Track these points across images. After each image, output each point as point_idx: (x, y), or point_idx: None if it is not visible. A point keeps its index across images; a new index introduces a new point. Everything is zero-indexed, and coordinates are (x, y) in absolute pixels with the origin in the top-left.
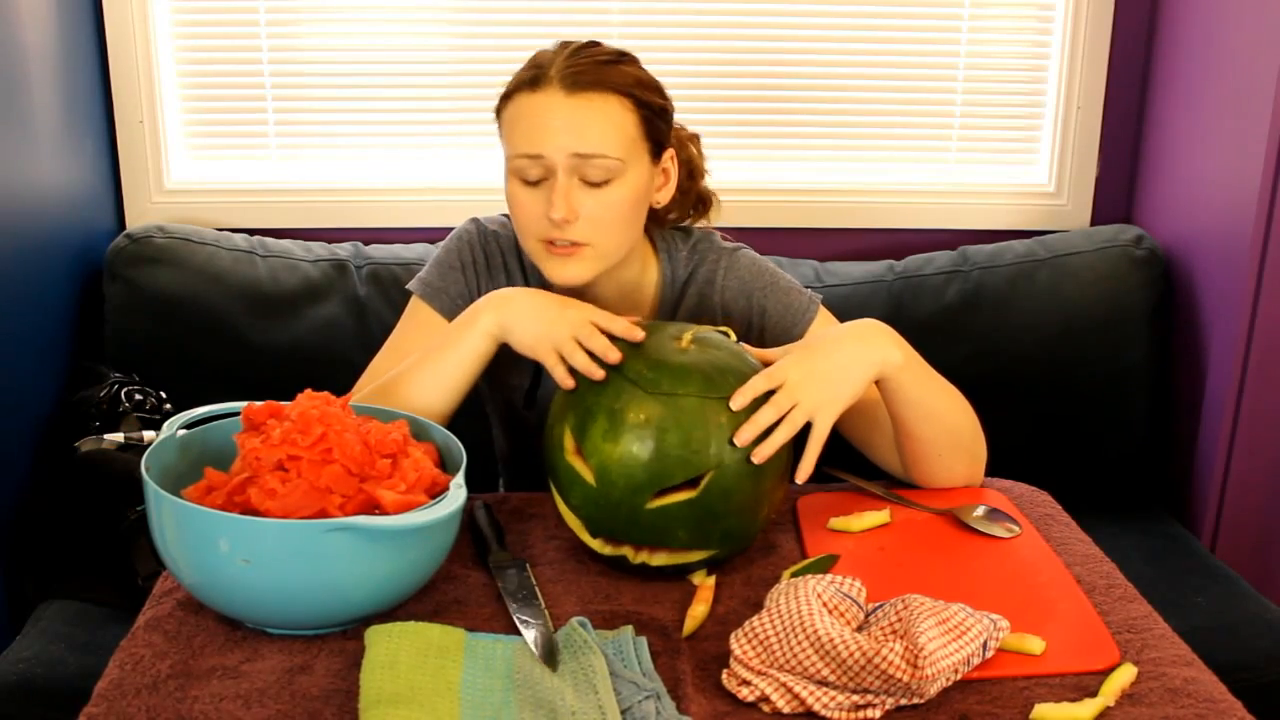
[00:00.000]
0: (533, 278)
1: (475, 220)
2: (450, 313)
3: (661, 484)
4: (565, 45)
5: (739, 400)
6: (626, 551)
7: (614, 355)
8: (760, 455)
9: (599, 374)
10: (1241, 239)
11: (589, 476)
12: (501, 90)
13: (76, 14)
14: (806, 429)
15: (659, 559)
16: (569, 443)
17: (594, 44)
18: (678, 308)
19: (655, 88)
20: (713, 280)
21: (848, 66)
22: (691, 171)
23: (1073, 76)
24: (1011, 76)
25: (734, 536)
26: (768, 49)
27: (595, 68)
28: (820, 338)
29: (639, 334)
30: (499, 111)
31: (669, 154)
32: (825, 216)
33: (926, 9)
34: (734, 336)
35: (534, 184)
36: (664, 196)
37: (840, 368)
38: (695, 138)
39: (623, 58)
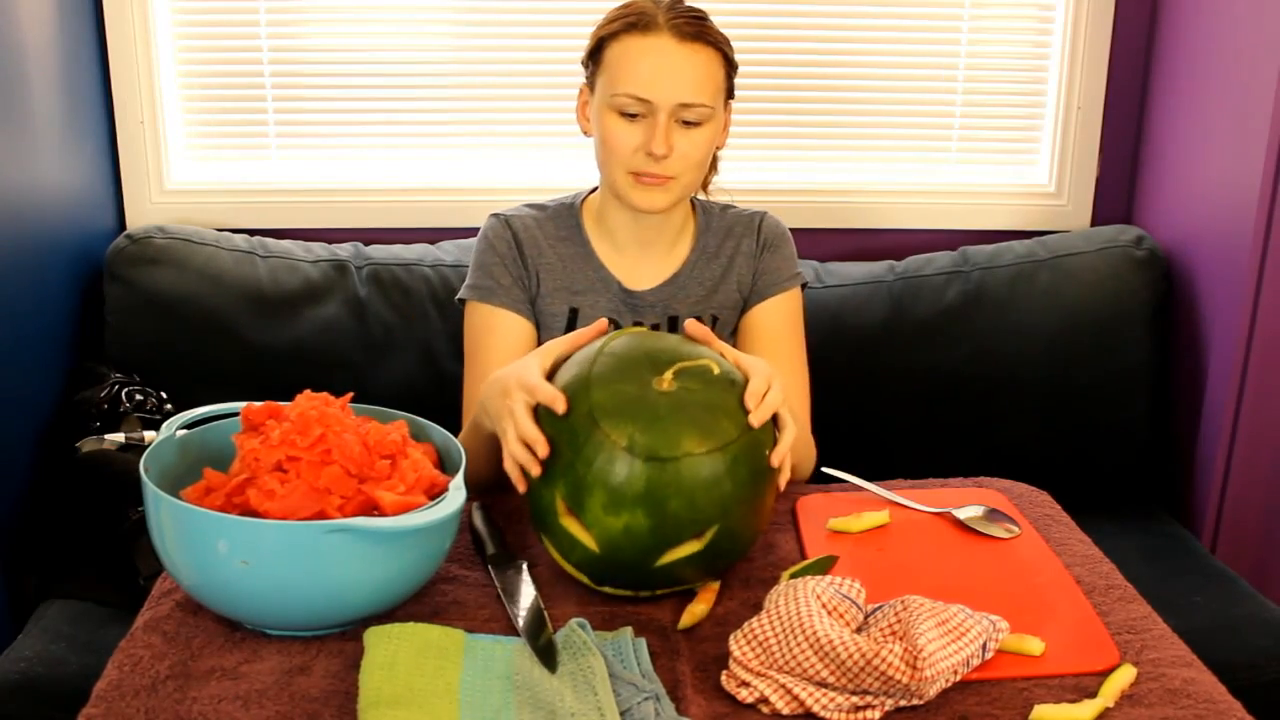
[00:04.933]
0: (560, 247)
1: (494, 215)
2: (510, 303)
3: (669, 545)
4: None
5: (758, 417)
6: (631, 592)
7: (540, 451)
8: (782, 460)
9: (520, 487)
10: (1241, 239)
11: (591, 543)
12: (595, 33)
13: (76, 14)
14: None
15: (664, 589)
16: (561, 505)
17: (680, 1)
18: (708, 244)
19: (731, 44)
20: (741, 222)
21: (847, 67)
22: None
23: (1073, 76)
24: (1011, 76)
25: (737, 559)
26: (767, 49)
27: (698, 22)
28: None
29: (561, 406)
30: (596, 51)
31: (730, 102)
32: (825, 216)
33: (926, 9)
34: (716, 370)
35: (631, 118)
36: (723, 140)
37: None
38: None
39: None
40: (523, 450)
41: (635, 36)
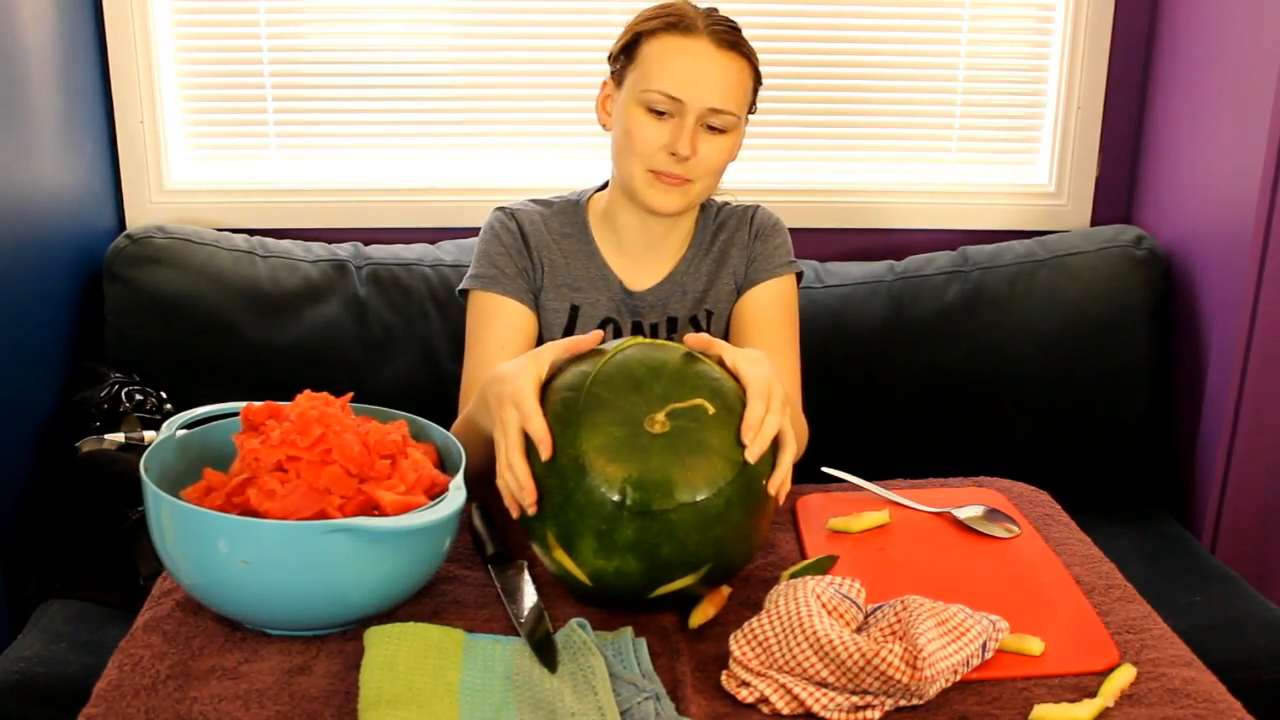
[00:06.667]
0: (564, 243)
1: (499, 208)
2: (513, 291)
3: (662, 583)
4: (689, 3)
5: (754, 452)
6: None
7: (528, 498)
8: (779, 488)
9: (514, 514)
10: (1241, 239)
11: (583, 577)
12: (631, 28)
13: (76, 14)
14: None
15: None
16: (552, 540)
17: (715, 10)
18: (702, 240)
19: (759, 60)
20: (735, 216)
21: (847, 66)
22: None
23: (1073, 76)
24: (1011, 76)
25: (735, 575)
26: (767, 49)
27: (735, 33)
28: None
29: (546, 453)
30: (631, 46)
31: (748, 117)
32: (825, 216)
33: (926, 9)
34: (711, 410)
35: (659, 116)
36: (735, 153)
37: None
38: None
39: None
40: (515, 483)
41: (675, 36)
